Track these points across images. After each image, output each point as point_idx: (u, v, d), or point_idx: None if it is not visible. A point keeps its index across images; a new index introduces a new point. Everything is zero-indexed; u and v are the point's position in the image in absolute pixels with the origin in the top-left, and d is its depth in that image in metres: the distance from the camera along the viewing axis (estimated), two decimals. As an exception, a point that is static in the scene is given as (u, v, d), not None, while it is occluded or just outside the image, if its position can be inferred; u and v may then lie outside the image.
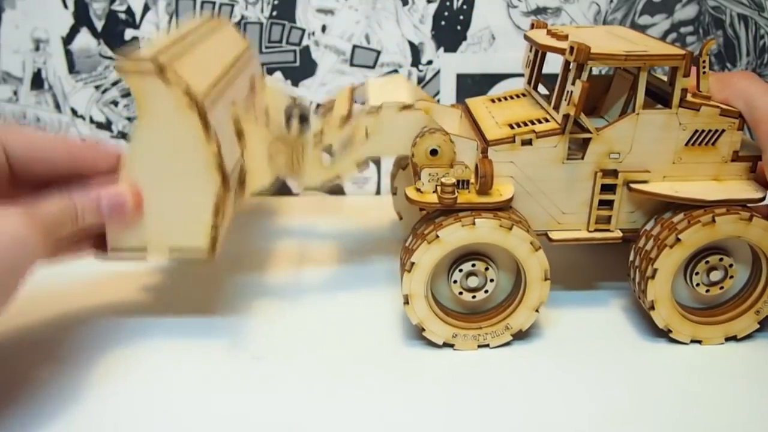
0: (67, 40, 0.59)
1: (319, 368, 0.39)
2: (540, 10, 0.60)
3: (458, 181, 0.39)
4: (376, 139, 0.42)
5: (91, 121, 0.62)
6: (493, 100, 0.47)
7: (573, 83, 0.38)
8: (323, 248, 0.54)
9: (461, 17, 0.60)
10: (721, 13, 0.61)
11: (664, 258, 0.39)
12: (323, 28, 0.60)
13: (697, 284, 0.40)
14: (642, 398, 0.37)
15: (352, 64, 0.61)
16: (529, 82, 0.48)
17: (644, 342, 0.42)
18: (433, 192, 0.39)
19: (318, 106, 0.51)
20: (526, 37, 0.45)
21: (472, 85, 0.62)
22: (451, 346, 0.41)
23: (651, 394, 0.37)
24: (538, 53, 0.46)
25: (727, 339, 0.41)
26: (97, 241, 0.38)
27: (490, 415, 0.36)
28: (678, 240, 0.38)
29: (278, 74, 0.61)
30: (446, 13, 0.60)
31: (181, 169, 0.36)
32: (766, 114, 0.38)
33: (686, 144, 0.40)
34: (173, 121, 0.35)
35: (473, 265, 0.39)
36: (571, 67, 0.39)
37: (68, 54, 0.59)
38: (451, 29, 0.60)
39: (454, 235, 0.38)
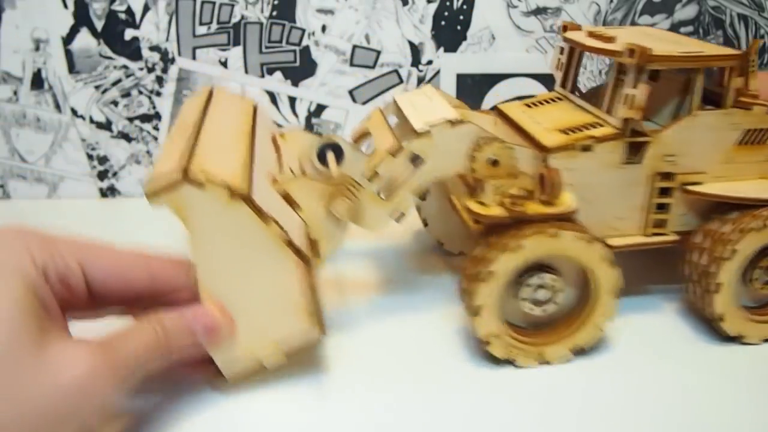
0: (67, 40, 0.59)
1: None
2: (540, 10, 0.60)
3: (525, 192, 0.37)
4: (432, 162, 0.39)
5: (91, 121, 0.62)
6: (528, 105, 0.46)
7: (633, 86, 0.38)
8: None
9: (461, 17, 0.60)
10: (721, 13, 0.61)
11: (725, 272, 0.39)
12: (323, 28, 0.60)
13: (754, 281, 0.40)
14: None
15: (352, 64, 0.61)
16: (563, 85, 0.47)
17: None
18: (498, 204, 0.37)
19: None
20: (566, 39, 0.45)
21: (472, 85, 0.62)
22: (512, 362, 0.39)
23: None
24: (574, 55, 0.46)
25: None
26: (203, 366, 0.36)
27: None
28: (735, 251, 0.38)
29: (278, 74, 0.61)
30: (446, 13, 0.60)
31: (253, 264, 0.33)
32: None
33: (737, 144, 0.40)
34: (224, 220, 0.32)
35: (541, 278, 0.38)
36: (629, 69, 0.38)
37: (68, 54, 0.59)
38: (451, 29, 0.60)
39: (536, 245, 0.36)
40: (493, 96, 0.64)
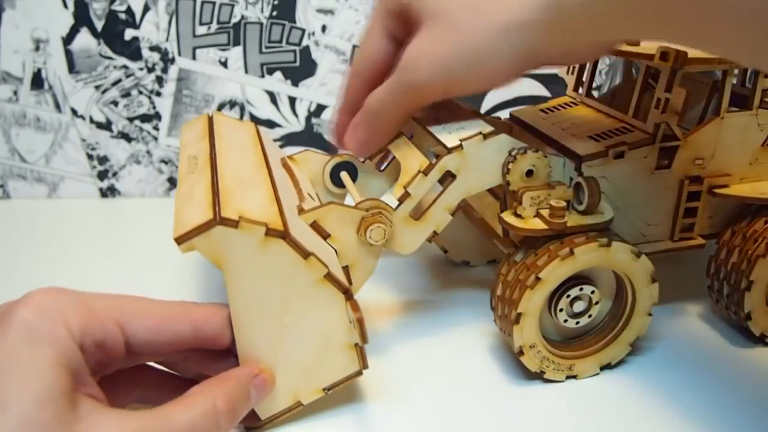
0: (67, 40, 0.59)
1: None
2: (540, 10, 0.60)
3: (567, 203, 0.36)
4: (465, 177, 0.37)
5: (91, 121, 0.62)
6: (545, 111, 0.45)
7: (666, 90, 0.37)
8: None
9: (461, 17, 0.60)
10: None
11: (760, 268, 0.39)
12: (323, 28, 0.60)
13: None
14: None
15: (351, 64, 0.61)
16: (575, 89, 0.47)
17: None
18: (535, 216, 0.36)
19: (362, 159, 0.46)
20: None
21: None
22: (542, 374, 0.38)
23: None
24: None
25: None
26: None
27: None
28: None
29: (278, 74, 0.61)
30: (446, 13, 0.60)
31: (293, 301, 0.32)
32: None
33: (763, 144, 0.40)
34: (261, 259, 0.30)
35: (581, 289, 0.37)
36: (661, 73, 0.38)
37: (68, 54, 0.59)
38: (451, 29, 0.60)
39: (588, 255, 0.35)
40: (494, 96, 0.64)
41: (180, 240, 0.29)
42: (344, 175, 0.45)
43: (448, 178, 0.37)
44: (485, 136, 0.36)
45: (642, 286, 0.37)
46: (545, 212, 0.36)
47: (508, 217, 0.37)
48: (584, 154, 0.38)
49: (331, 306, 0.32)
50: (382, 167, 0.46)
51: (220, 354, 0.33)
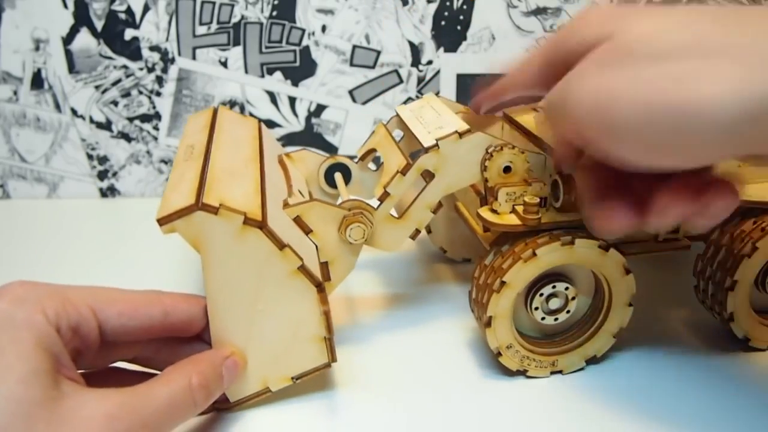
0: (67, 40, 0.59)
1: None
2: (540, 10, 0.60)
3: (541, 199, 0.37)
4: (444, 175, 0.38)
5: (91, 121, 0.62)
6: (537, 110, 0.45)
7: None
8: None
9: (461, 17, 0.60)
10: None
11: (744, 268, 0.38)
12: (323, 28, 0.60)
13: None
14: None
15: (352, 64, 0.61)
16: None
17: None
18: (511, 212, 0.37)
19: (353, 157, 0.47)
20: None
21: (473, 86, 0.62)
22: (524, 372, 0.38)
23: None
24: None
25: None
26: None
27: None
28: (755, 248, 0.38)
29: (278, 74, 0.61)
30: (446, 13, 0.60)
31: (266, 291, 0.33)
32: None
33: None
34: (238, 247, 0.31)
35: (554, 287, 0.37)
36: None
37: (68, 54, 0.59)
38: (451, 29, 0.60)
39: (551, 255, 0.35)
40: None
41: (162, 221, 0.30)
42: (338, 176, 0.46)
43: (428, 176, 0.38)
44: (461, 135, 0.37)
45: (616, 279, 0.37)
46: (520, 208, 0.36)
47: (484, 212, 0.37)
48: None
49: (303, 298, 0.33)
50: (374, 168, 0.47)
51: (191, 345, 0.34)
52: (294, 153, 0.46)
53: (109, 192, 0.64)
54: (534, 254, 0.35)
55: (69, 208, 0.62)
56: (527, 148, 0.38)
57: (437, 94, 0.62)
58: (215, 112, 0.43)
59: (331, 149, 0.64)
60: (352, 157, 0.47)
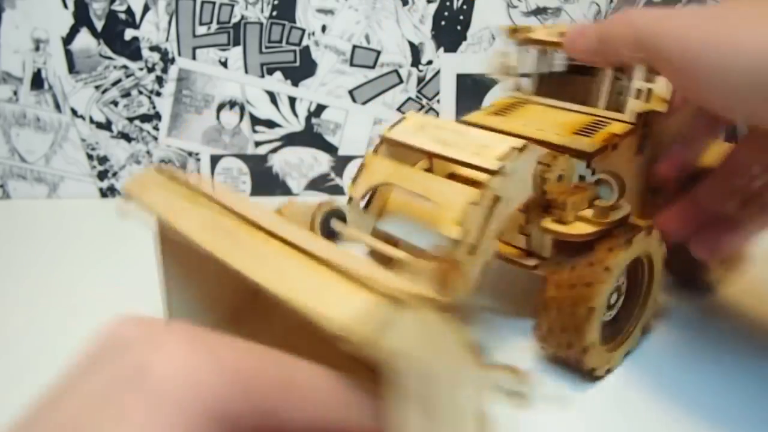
0: (67, 40, 0.59)
1: None
2: (540, 10, 0.60)
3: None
4: (507, 196, 0.35)
5: (91, 121, 0.62)
6: (497, 113, 0.44)
7: (647, 81, 0.39)
8: None
9: (461, 17, 0.60)
10: (722, 13, 0.61)
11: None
12: (323, 28, 0.60)
13: None
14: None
15: (352, 64, 0.61)
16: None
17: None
18: (575, 220, 0.36)
19: (351, 199, 0.40)
20: (536, 41, 0.43)
21: (472, 86, 0.62)
22: (592, 371, 0.37)
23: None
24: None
25: None
26: None
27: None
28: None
29: (278, 74, 0.61)
30: (446, 13, 0.60)
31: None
32: None
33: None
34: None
35: (617, 280, 0.36)
36: (636, 66, 0.39)
37: (68, 54, 0.59)
38: (451, 29, 0.60)
39: (640, 244, 0.36)
40: (493, 96, 0.64)
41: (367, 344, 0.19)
42: (336, 223, 0.38)
43: (490, 202, 0.35)
44: (521, 150, 0.35)
45: (659, 263, 0.38)
46: (586, 214, 0.35)
47: (553, 225, 0.35)
48: (592, 150, 0.38)
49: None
50: (364, 206, 0.40)
51: None
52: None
53: (109, 192, 0.64)
54: (631, 244, 0.35)
55: (69, 208, 0.62)
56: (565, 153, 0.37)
57: (437, 94, 0.62)
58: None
59: (331, 149, 0.64)
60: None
